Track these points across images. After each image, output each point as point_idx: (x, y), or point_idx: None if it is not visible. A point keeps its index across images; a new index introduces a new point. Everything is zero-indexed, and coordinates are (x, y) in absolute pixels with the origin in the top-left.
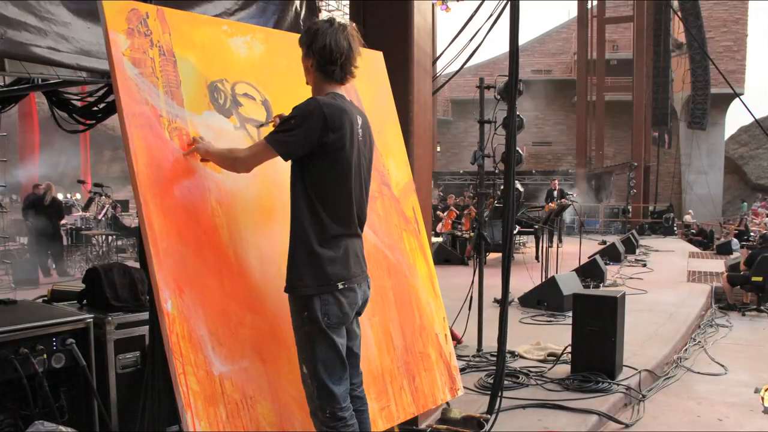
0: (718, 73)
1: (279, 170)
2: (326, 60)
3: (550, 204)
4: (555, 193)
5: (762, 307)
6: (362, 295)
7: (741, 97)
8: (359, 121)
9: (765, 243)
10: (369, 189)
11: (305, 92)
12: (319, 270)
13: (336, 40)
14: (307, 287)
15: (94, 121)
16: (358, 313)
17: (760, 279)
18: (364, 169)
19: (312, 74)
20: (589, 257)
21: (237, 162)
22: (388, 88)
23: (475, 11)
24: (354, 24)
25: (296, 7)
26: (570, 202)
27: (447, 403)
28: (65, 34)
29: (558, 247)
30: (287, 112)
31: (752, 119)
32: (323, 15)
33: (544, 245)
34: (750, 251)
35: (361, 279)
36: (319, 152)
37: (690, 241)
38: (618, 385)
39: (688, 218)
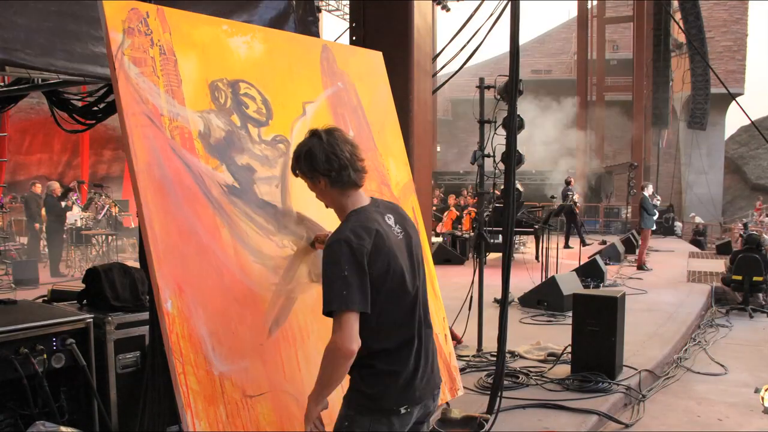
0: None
1: (278, 169)
2: (336, 170)
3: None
4: (569, 192)
5: (748, 307)
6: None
7: (741, 97)
8: (390, 220)
9: (748, 244)
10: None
11: (305, 92)
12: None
13: (332, 147)
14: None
15: (94, 121)
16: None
17: (740, 278)
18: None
19: (328, 194)
20: (589, 257)
21: (341, 362)
22: (388, 88)
23: (475, 11)
24: (335, 128)
25: (293, 6)
26: (570, 203)
27: (447, 403)
28: (53, 39)
29: (562, 249)
30: (287, 111)
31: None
32: (323, 15)
33: (544, 245)
34: (734, 251)
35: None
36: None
37: (692, 242)
38: (618, 385)
39: (699, 219)
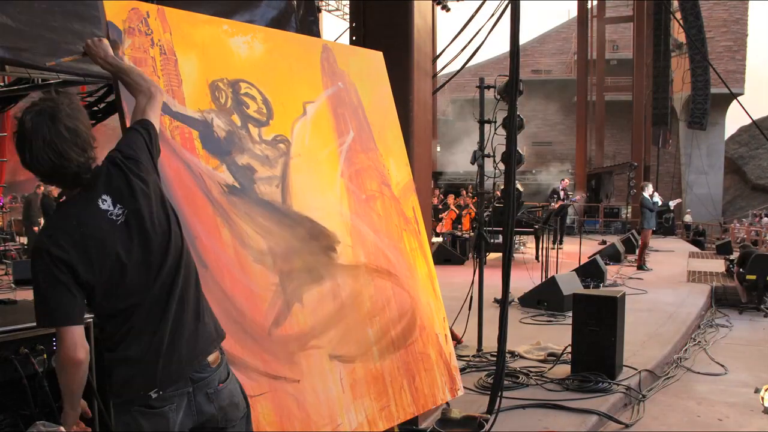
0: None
1: (278, 169)
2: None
3: (553, 204)
4: (561, 193)
5: (762, 306)
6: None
7: (741, 97)
8: (107, 203)
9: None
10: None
11: (304, 92)
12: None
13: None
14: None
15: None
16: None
17: (753, 277)
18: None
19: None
20: (589, 257)
21: (67, 370)
22: (389, 88)
23: (476, 11)
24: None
25: (293, 6)
26: (570, 203)
27: (447, 403)
28: (51, 37)
29: (558, 248)
30: (287, 110)
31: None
32: (323, 15)
33: (544, 245)
34: (743, 251)
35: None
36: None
37: (693, 242)
38: (618, 385)
39: (688, 218)
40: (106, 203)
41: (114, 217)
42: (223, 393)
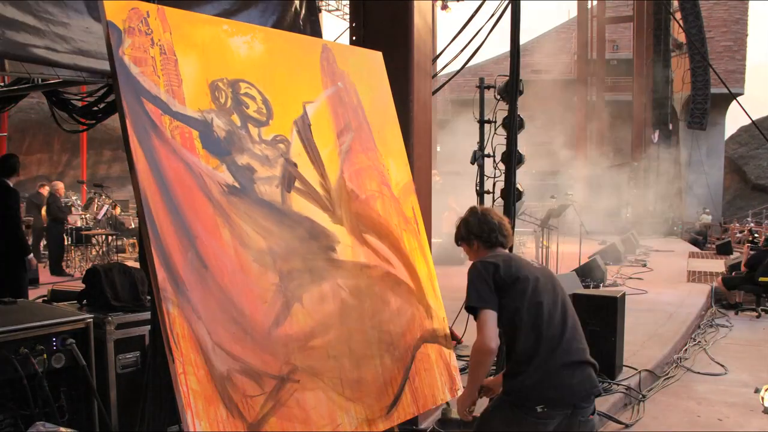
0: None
1: (278, 169)
2: (487, 234)
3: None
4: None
5: (760, 308)
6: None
7: (741, 97)
8: (532, 267)
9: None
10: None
11: (305, 92)
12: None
13: (485, 220)
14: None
15: (94, 121)
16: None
17: (767, 280)
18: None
19: (478, 252)
20: (589, 257)
21: (481, 360)
22: (388, 89)
23: (476, 11)
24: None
25: (296, 6)
26: (570, 203)
27: (447, 403)
28: (63, 34)
29: (543, 246)
30: (287, 111)
31: (752, 119)
32: (323, 15)
33: (544, 245)
34: (753, 252)
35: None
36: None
37: (693, 242)
38: (618, 385)
39: (706, 218)
40: None
41: None
42: (589, 423)
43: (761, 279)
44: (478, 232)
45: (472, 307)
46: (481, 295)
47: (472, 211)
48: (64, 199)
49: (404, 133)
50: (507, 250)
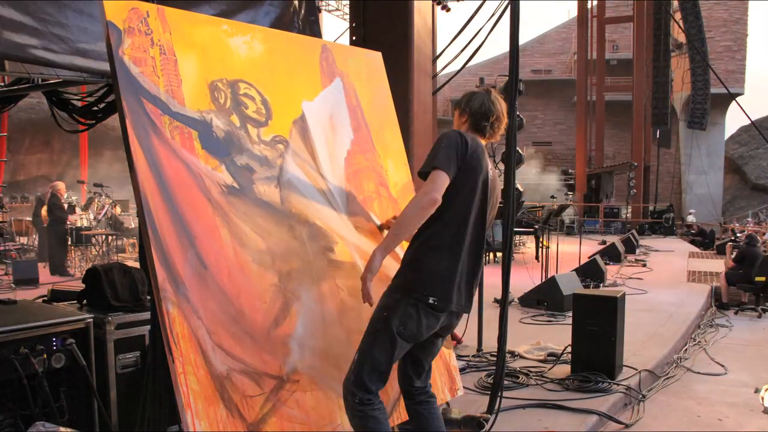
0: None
1: (277, 170)
2: (480, 116)
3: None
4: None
5: (759, 308)
6: (445, 322)
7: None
8: (488, 166)
9: (751, 241)
10: (485, 228)
11: (304, 92)
12: (420, 276)
13: (492, 104)
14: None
15: (94, 121)
16: (440, 336)
17: (763, 279)
18: (485, 210)
19: (462, 126)
20: (589, 257)
21: (425, 205)
22: (388, 89)
23: (476, 11)
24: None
25: (295, 6)
26: (569, 203)
27: (447, 403)
28: (61, 34)
29: (543, 246)
30: (286, 111)
31: (751, 120)
32: (323, 15)
33: (544, 245)
34: (737, 249)
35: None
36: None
37: (692, 242)
38: (618, 385)
39: (691, 218)
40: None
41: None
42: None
43: (757, 278)
44: (476, 110)
45: (433, 167)
46: (449, 159)
47: (486, 89)
48: (66, 200)
49: (404, 133)
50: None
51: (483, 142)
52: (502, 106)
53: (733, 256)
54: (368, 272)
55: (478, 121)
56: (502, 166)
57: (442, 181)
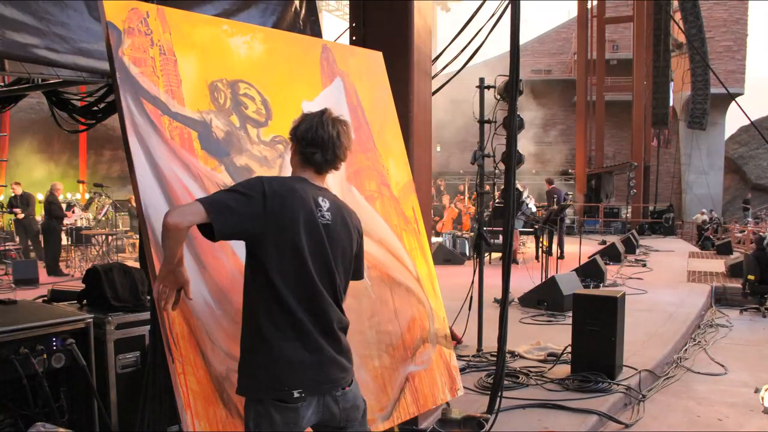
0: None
1: (276, 170)
2: (307, 143)
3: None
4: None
5: (763, 307)
6: (319, 411)
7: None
8: (325, 205)
9: (760, 245)
10: (343, 280)
11: (304, 92)
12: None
13: (322, 127)
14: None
15: (94, 121)
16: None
17: (753, 278)
18: (332, 259)
19: (293, 159)
20: (589, 257)
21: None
22: (388, 88)
23: (476, 11)
24: (346, 122)
25: (296, 6)
26: (570, 203)
27: (447, 403)
28: (63, 34)
29: (544, 246)
30: (286, 111)
31: (751, 120)
32: (323, 15)
33: (544, 245)
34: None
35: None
36: (264, 228)
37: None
38: (618, 385)
39: (704, 217)
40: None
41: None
42: (348, 395)
43: (749, 277)
44: (301, 136)
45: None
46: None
47: (322, 111)
48: (65, 200)
49: (404, 133)
50: (325, 184)
51: (319, 180)
52: (337, 130)
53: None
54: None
55: (305, 150)
56: (502, 166)
57: (195, 213)
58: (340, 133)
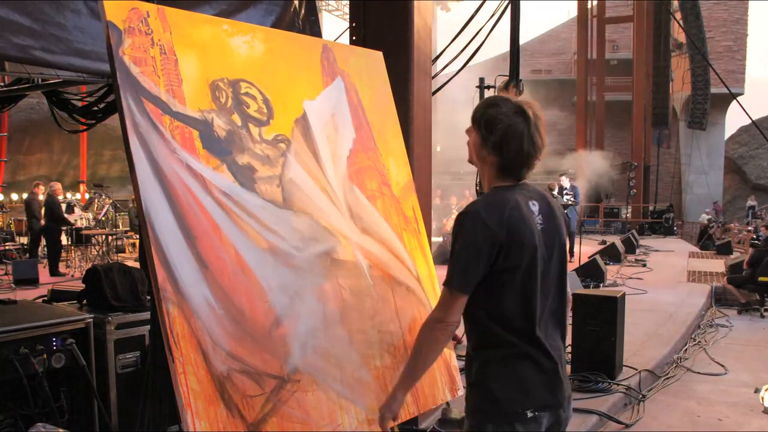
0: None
1: (278, 169)
2: (517, 164)
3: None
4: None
5: (763, 308)
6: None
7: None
8: (535, 208)
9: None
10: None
11: (305, 91)
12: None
13: (532, 140)
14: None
15: (94, 121)
16: None
17: (766, 279)
18: (552, 265)
19: (488, 169)
20: (589, 257)
21: (440, 333)
22: (389, 88)
23: (476, 11)
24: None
25: (295, 6)
26: (570, 203)
27: (447, 403)
28: (60, 35)
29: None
30: (287, 110)
31: (752, 119)
32: (323, 15)
33: None
34: (754, 250)
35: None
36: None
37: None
38: (618, 385)
39: (707, 217)
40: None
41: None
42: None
43: (761, 278)
44: (503, 143)
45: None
46: (465, 272)
47: (517, 107)
48: (65, 200)
49: (404, 133)
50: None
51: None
52: (544, 137)
53: (747, 259)
54: (387, 410)
55: (510, 164)
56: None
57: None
58: (543, 135)
